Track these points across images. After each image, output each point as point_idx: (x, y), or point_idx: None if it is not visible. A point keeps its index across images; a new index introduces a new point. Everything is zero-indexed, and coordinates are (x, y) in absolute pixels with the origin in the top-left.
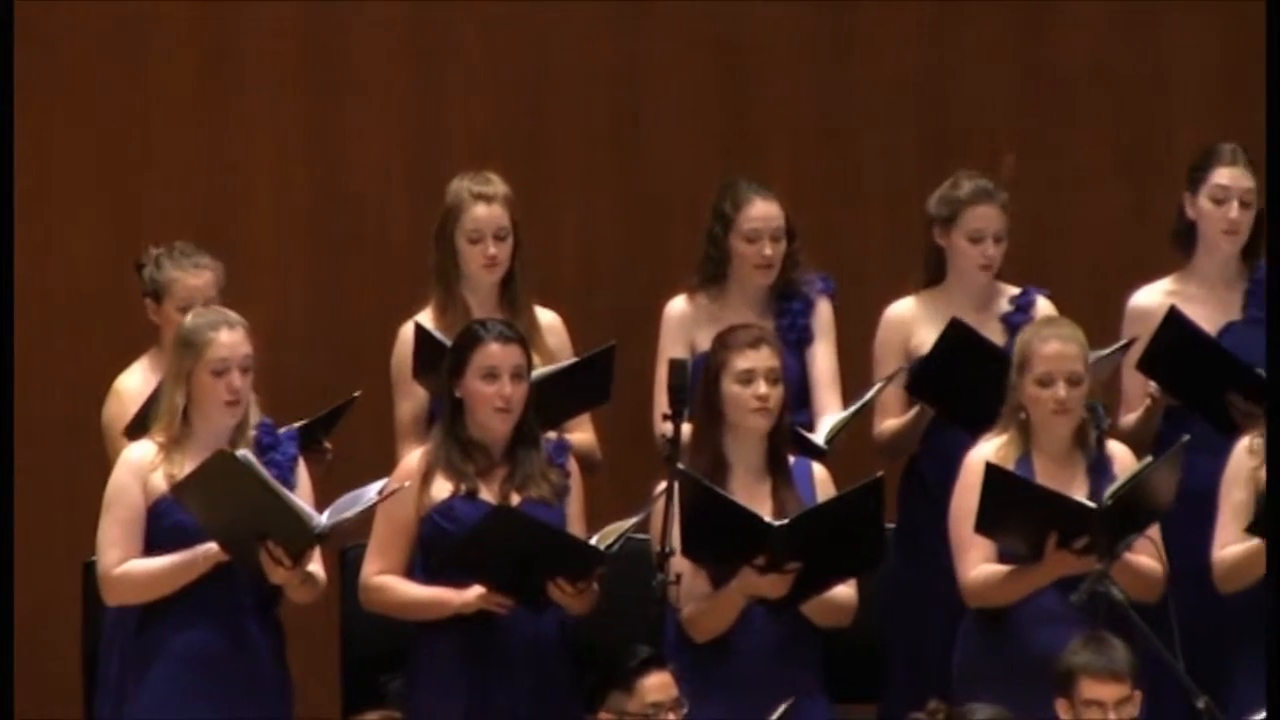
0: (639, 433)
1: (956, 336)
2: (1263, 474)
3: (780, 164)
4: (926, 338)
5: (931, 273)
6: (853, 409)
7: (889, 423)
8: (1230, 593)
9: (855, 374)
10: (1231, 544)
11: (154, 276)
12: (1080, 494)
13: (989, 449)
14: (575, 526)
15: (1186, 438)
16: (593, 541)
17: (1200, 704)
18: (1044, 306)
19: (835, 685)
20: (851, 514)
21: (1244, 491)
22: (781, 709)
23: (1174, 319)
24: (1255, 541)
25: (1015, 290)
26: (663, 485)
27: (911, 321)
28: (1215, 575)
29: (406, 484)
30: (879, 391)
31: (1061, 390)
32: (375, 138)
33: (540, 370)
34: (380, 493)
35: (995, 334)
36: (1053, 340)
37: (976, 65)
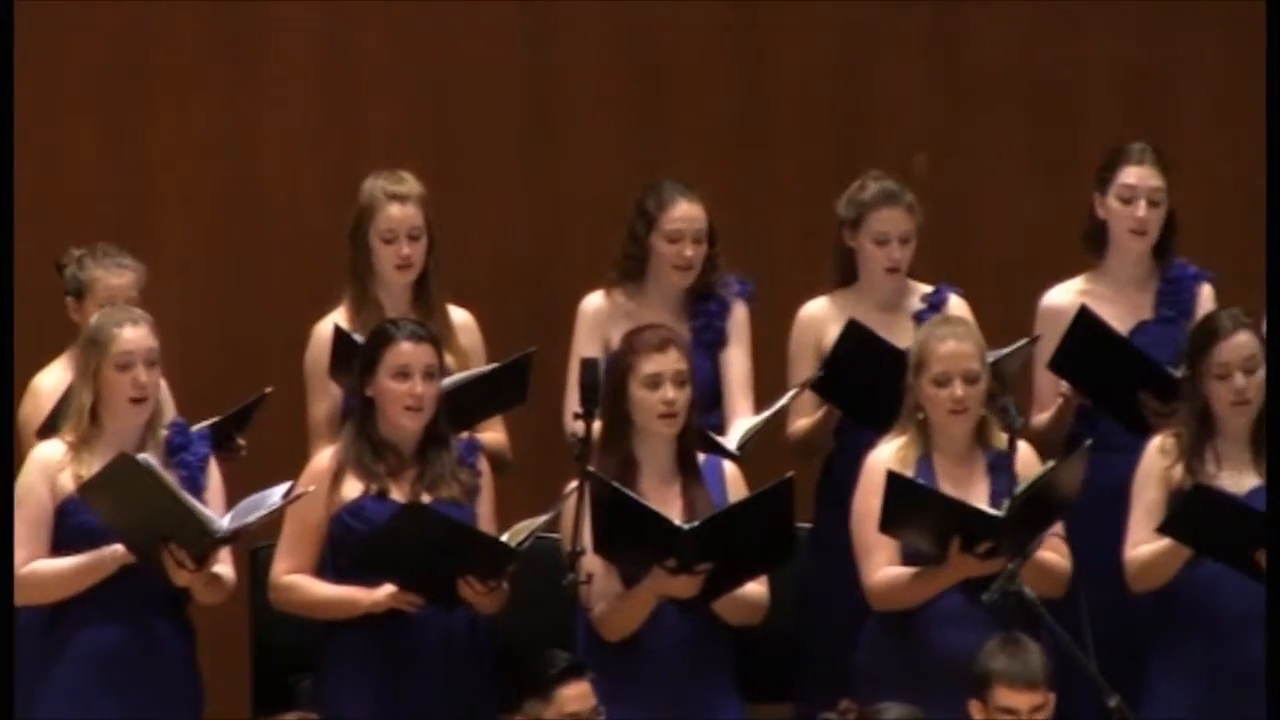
0: (550, 432)
1: (854, 337)
2: (1175, 472)
3: (692, 164)
4: None
5: (843, 273)
6: (767, 414)
7: (800, 422)
8: (1142, 592)
9: (768, 375)
10: (1143, 543)
11: (76, 275)
12: (981, 493)
13: (889, 450)
14: (486, 526)
15: (1089, 442)
16: (503, 539)
17: (1112, 703)
18: (956, 305)
19: (750, 685)
20: (761, 514)
21: (1156, 490)
22: None
23: (1085, 318)
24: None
25: (927, 289)
26: (573, 484)
27: (824, 321)
28: (1127, 574)
29: (311, 488)
30: (793, 398)
31: (959, 389)
32: (287, 138)
33: (457, 376)
34: (285, 496)
35: (907, 333)
36: (949, 339)
37: (892, 66)
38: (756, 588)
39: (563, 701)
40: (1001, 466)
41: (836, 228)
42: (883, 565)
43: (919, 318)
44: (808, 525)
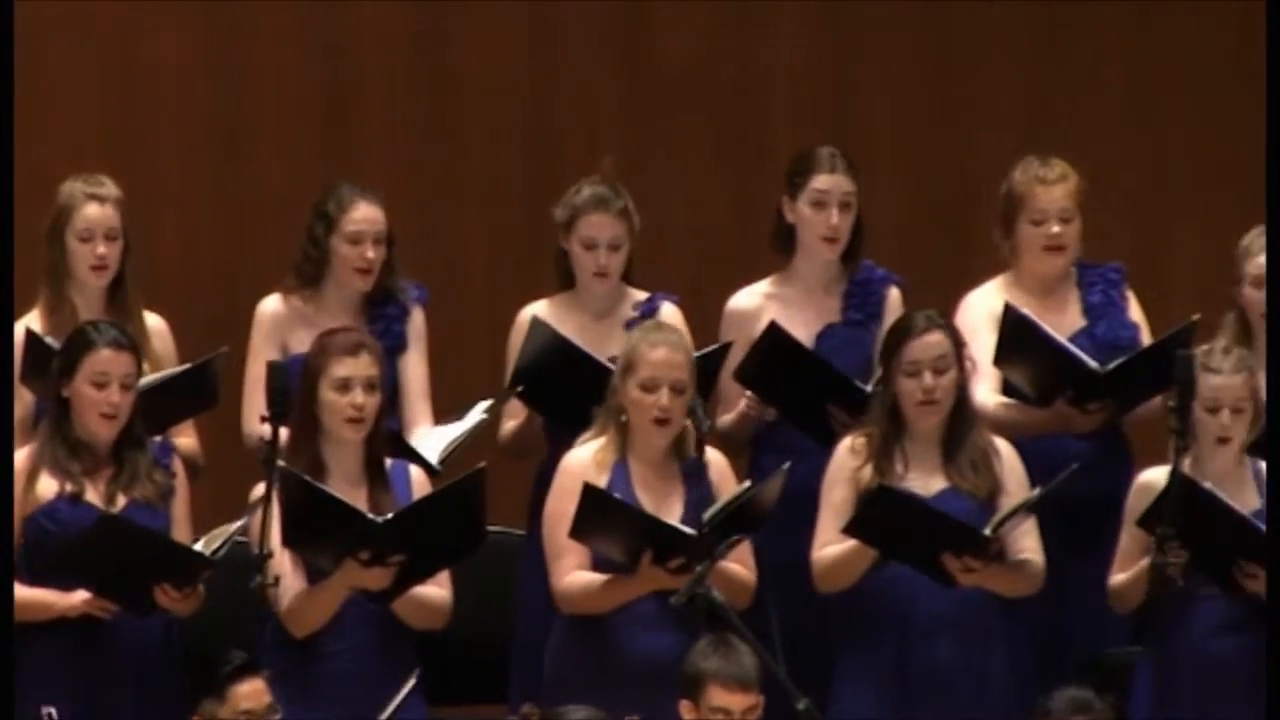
0: (237, 435)
1: (539, 338)
2: (864, 473)
3: (379, 167)
4: None
5: (561, 277)
6: (469, 425)
7: (509, 425)
8: (828, 592)
9: (454, 380)
10: (831, 543)
11: None
12: (676, 500)
13: (586, 452)
14: (181, 529)
15: (788, 464)
16: (199, 546)
17: (800, 706)
18: (669, 313)
19: (467, 686)
20: (453, 505)
21: (844, 491)
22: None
23: (773, 333)
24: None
25: (641, 295)
26: (260, 489)
27: None
28: (814, 574)
29: None
30: (492, 407)
31: (665, 398)
32: None
33: (150, 377)
34: None
35: (620, 340)
36: (661, 346)
37: (576, 65)
38: (439, 592)
39: (236, 699)
40: (696, 474)
41: (555, 229)
42: (573, 569)
43: (631, 326)
44: (522, 533)
